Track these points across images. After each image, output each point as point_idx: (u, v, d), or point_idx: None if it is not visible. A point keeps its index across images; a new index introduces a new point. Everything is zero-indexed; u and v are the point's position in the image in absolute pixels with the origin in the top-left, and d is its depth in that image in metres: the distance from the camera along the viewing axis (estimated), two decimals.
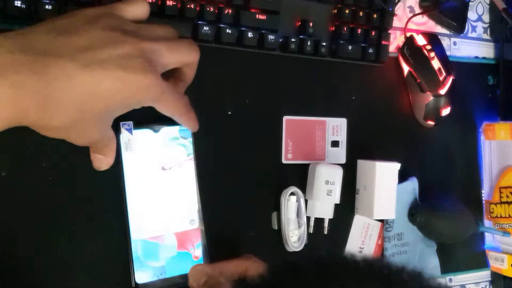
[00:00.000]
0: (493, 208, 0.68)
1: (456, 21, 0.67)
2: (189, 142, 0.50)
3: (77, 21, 0.37)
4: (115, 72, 0.36)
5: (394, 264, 0.25)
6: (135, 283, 0.47)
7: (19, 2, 0.42)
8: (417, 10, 0.65)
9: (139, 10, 0.41)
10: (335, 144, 0.60)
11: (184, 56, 0.43)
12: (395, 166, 0.59)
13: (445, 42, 0.67)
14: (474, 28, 0.71)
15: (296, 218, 0.55)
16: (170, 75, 0.45)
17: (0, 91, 0.32)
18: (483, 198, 0.70)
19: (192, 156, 0.50)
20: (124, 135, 0.46)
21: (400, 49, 0.63)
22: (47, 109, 0.35)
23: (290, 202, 0.55)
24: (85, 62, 0.35)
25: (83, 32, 0.36)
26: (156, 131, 0.48)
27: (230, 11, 0.51)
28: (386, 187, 0.58)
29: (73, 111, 0.36)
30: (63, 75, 0.34)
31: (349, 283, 0.24)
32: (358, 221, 0.61)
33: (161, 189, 0.49)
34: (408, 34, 0.63)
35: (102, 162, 0.45)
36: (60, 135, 0.38)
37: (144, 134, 0.48)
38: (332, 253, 0.26)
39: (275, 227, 0.56)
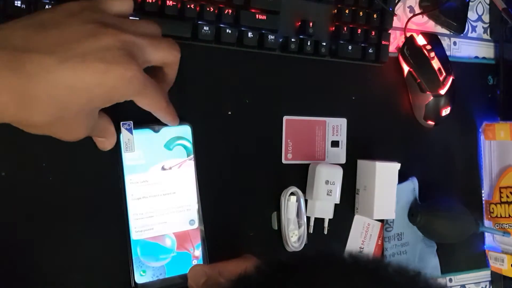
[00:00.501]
0: (493, 208, 0.68)
1: (456, 21, 0.67)
2: (189, 142, 0.50)
3: (57, 15, 0.36)
4: (97, 64, 0.35)
5: (381, 260, 0.25)
6: (135, 283, 0.47)
7: (19, 2, 0.42)
8: (417, 10, 0.65)
9: (123, 6, 0.40)
10: (335, 144, 0.60)
11: (165, 54, 0.41)
12: (395, 166, 0.59)
13: (445, 42, 0.67)
14: (474, 28, 0.70)
15: (296, 218, 0.55)
16: (152, 76, 0.43)
17: None
18: (483, 198, 0.70)
19: (192, 156, 0.50)
20: (124, 135, 0.46)
21: (400, 49, 0.63)
22: (27, 106, 0.34)
23: (290, 202, 0.55)
24: (64, 56, 0.34)
25: (62, 25, 0.35)
26: (156, 131, 0.48)
27: (230, 11, 0.51)
28: (386, 187, 0.58)
29: (53, 107, 0.35)
30: (41, 71, 0.33)
31: (335, 279, 0.24)
32: (358, 221, 0.61)
33: (161, 189, 0.48)
34: (408, 34, 0.63)
35: (105, 143, 0.45)
36: (44, 131, 0.37)
37: (144, 134, 0.48)
38: (319, 251, 0.26)
39: (275, 227, 0.56)
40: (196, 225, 0.50)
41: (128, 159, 0.47)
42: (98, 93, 0.36)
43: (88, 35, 0.35)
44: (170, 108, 0.45)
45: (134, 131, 0.46)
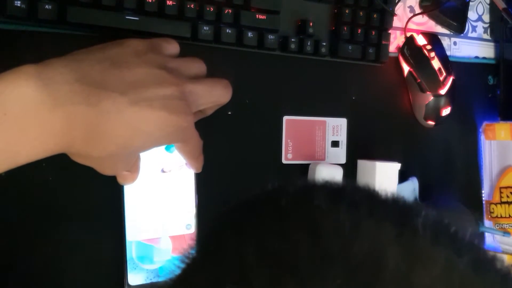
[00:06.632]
0: (493, 208, 0.68)
1: (456, 21, 0.67)
2: None
3: (125, 54, 0.39)
4: (160, 111, 0.38)
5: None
6: (128, 285, 0.47)
7: (19, 2, 0.42)
8: (417, 10, 0.65)
9: (175, 49, 0.45)
10: (335, 144, 0.60)
11: (218, 99, 0.46)
12: (395, 166, 0.59)
13: (445, 42, 0.67)
14: (474, 28, 0.70)
15: None
16: None
17: (56, 122, 0.34)
18: (483, 198, 0.70)
19: None
20: None
21: (400, 49, 0.63)
22: (92, 140, 0.36)
23: None
24: (134, 99, 0.37)
25: (132, 66, 0.38)
26: None
27: (230, 11, 0.50)
28: (386, 187, 0.58)
29: (114, 144, 0.37)
30: (114, 109, 0.36)
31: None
32: None
33: (160, 191, 0.48)
34: (408, 34, 0.63)
35: (126, 178, 0.45)
36: (91, 163, 0.39)
37: None
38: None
39: None
40: (192, 229, 0.50)
41: None
42: (154, 137, 0.39)
43: (155, 82, 0.38)
44: (200, 158, 0.47)
45: None
